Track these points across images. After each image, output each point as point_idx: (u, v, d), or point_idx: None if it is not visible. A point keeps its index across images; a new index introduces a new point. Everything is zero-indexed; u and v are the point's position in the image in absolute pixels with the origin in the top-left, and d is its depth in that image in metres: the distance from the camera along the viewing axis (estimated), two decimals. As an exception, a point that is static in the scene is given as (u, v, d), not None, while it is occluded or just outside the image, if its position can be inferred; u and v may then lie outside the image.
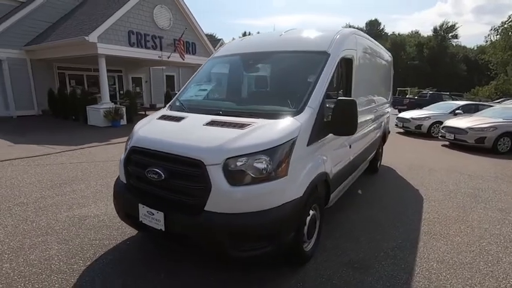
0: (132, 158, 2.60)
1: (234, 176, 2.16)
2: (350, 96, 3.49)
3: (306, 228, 2.66)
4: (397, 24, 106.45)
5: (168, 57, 13.06)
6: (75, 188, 4.62)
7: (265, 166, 2.19)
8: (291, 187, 2.30)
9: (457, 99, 19.41)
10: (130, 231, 3.25)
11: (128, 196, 2.58)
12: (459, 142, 8.84)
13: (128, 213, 2.62)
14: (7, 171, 5.40)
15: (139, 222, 2.47)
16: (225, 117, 2.67)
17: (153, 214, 2.35)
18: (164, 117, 2.94)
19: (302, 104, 2.63)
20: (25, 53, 13.00)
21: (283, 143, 2.27)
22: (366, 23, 70.24)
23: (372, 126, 4.75)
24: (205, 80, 3.65)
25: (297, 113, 2.56)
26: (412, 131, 11.46)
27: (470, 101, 14.71)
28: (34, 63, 13.31)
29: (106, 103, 11.20)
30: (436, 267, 2.83)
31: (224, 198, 2.15)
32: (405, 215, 3.96)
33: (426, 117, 11.36)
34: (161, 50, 12.75)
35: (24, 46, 12.85)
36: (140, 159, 2.53)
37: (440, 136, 9.67)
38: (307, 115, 2.55)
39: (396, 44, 58.77)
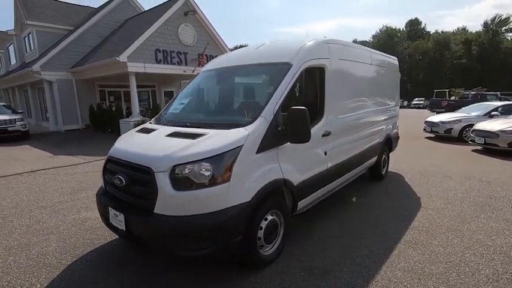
0: (106, 167, 2.97)
1: (179, 182, 2.38)
2: (323, 104, 3.56)
3: (262, 232, 2.78)
4: (444, 21, 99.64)
5: (193, 71, 13.82)
6: (89, 194, 5.18)
7: (208, 173, 2.38)
8: (234, 192, 2.45)
9: (509, 99, 17.66)
10: (119, 233, 3.61)
11: (104, 200, 2.94)
12: (490, 147, 8.13)
13: (104, 215, 2.96)
14: (39, 179, 6.21)
15: (109, 223, 2.80)
16: (187, 129, 2.92)
17: (117, 216, 2.66)
18: (140, 130, 3.28)
19: (256, 114, 2.79)
20: (71, 74, 14.69)
21: (226, 151, 2.45)
22: (406, 23, 67.00)
23: (365, 133, 4.67)
24: (189, 93, 3.96)
25: (249, 123, 2.72)
26: (442, 135, 10.73)
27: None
28: (78, 83, 14.96)
29: (136, 116, 12.18)
30: (400, 276, 2.75)
31: (170, 202, 2.38)
32: (391, 224, 3.84)
33: (457, 120, 10.58)
34: (186, 64, 13.56)
35: (71, 68, 14.53)
36: (111, 167, 2.88)
37: (470, 140, 8.95)
38: (258, 125, 2.70)
39: (439, 42, 55.13)
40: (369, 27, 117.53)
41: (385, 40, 60.94)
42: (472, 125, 9.69)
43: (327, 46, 3.61)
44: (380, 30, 65.52)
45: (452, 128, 10.47)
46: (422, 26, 65.60)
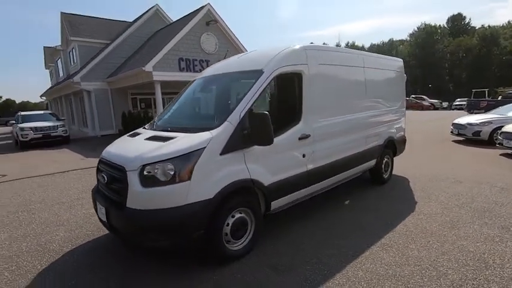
0: (98, 167, 3.38)
1: (147, 180, 2.69)
2: (301, 108, 3.70)
3: (228, 228, 2.99)
4: (494, 14, 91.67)
5: (215, 78, 14.38)
6: (103, 192, 5.74)
7: (171, 172, 2.66)
8: (195, 190, 2.70)
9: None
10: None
11: (95, 196, 3.34)
12: (519, 150, 7.51)
13: (95, 210, 3.37)
14: (66, 179, 6.98)
15: (99, 217, 3.19)
16: (165, 133, 3.24)
17: (101, 209, 3.04)
18: (130, 134, 3.67)
19: (223, 119, 3.02)
20: (107, 84, 16.04)
21: (188, 153, 2.71)
22: (448, 19, 62.88)
23: (356, 136, 4.67)
24: (180, 99, 4.29)
25: (216, 127, 2.97)
26: (470, 138, 10.04)
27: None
28: (113, 92, 16.28)
29: (161, 122, 12.97)
30: (360, 276, 2.80)
31: (138, 197, 2.69)
32: (376, 227, 3.82)
33: (487, 121, 9.83)
34: (208, 72, 14.14)
35: (106, 78, 15.87)
36: (100, 166, 3.28)
37: (498, 143, 8.31)
38: (223, 129, 2.92)
39: (486, 38, 50.94)
40: (405, 26, 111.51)
41: (424, 38, 57.65)
42: (505, 127, 8.99)
43: (304, 52, 3.74)
44: (418, 28, 62.16)
45: (481, 131, 9.75)
46: (466, 22, 61.14)
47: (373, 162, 5.24)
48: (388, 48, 67.08)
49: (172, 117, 3.88)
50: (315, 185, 3.98)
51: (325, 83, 4.03)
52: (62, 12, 18.53)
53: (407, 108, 28.86)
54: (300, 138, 3.63)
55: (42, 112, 15.12)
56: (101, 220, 3.22)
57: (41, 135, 12.70)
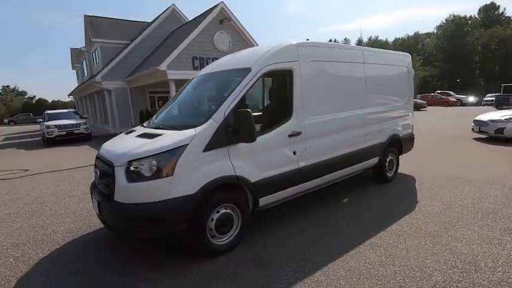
0: (95, 163, 3.57)
1: (132, 175, 2.81)
2: (291, 105, 3.69)
3: (213, 223, 3.07)
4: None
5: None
6: (112, 187, 6.02)
7: (154, 167, 2.77)
8: (178, 185, 2.79)
9: None
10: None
11: (92, 190, 3.53)
12: (543, 148, 7.03)
13: (92, 203, 3.57)
14: (82, 174, 7.36)
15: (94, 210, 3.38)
16: (156, 130, 3.37)
17: (95, 202, 3.21)
18: (126, 132, 3.84)
19: (208, 116, 3.09)
20: (126, 83, 16.64)
21: (170, 150, 2.80)
22: (480, 9, 59.33)
23: (355, 133, 4.59)
24: (176, 97, 4.41)
25: (200, 124, 3.04)
26: (492, 136, 9.49)
27: None
28: (132, 90, 16.87)
29: (175, 119, 13.30)
30: (341, 274, 2.78)
31: (124, 191, 2.82)
32: (369, 226, 3.75)
33: (511, 118, 9.27)
34: (222, 69, 14.30)
35: (126, 77, 16.47)
36: (96, 162, 3.46)
37: (521, 141, 7.82)
38: (207, 126, 2.99)
39: (521, 28, 47.54)
40: (433, 17, 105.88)
41: (452, 30, 54.75)
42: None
43: (295, 49, 3.72)
44: (446, 20, 59.11)
45: (504, 128, 9.19)
46: (499, 12, 57.37)
47: (375, 160, 5.13)
48: (413, 42, 64.45)
49: (167, 115, 4.00)
50: (308, 183, 3.96)
51: (318, 80, 3.99)
52: (85, 15, 19.41)
53: (432, 104, 27.74)
54: (290, 136, 3.63)
55: (66, 111, 15.97)
56: (96, 213, 3.41)
57: (64, 132, 13.44)
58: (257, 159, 3.34)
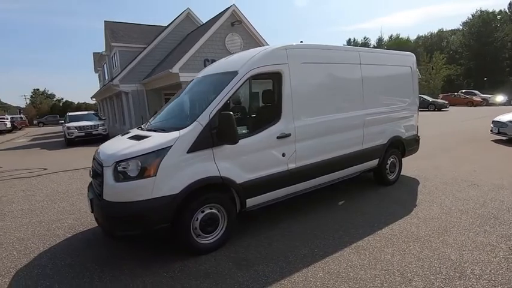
0: (92, 163, 3.76)
1: (118, 175, 2.95)
2: (280, 107, 3.72)
3: (198, 223, 3.16)
4: None
5: (240, 77, 14.65)
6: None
7: (138, 168, 2.89)
8: (161, 185, 2.90)
9: None
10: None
11: (89, 189, 3.72)
12: None
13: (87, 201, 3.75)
14: (93, 173, 7.70)
15: (90, 207, 3.56)
16: (146, 132, 3.51)
17: (88, 200, 3.39)
18: (122, 133, 4.00)
19: (194, 119, 3.18)
20: (142, 85, 17.17)
21: (154, 151, 2.92)
22: (510, 3, 56.10)
23: (350, 135, 4.53)
24: (174, 100, 4.54)
25: (185, 127, 3.14)
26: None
27: None
28: (148, 92, 17.37)
29: (188, 121, 13.59)
30: (318, 276, 2.78)
31: (111, 190, 2.96)
32: (360, 229, 3.71)
33: (532, 119, 8.77)
34: (233, 71, 14.46)
35: (142, 80, 17.00)
36: (92, 163, 3.65)
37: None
38: (191, 128, 3.09)
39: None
40: (458, 13, 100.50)
41: (479, 27, 52.18)
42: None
43: (284, 52, 3.74)
44: (472, 16, 56.40)
45: (525, 129, 8.73)
46: (532, 5, 53.93)
47: (373, 163, 5.03)
48: (436, 39, 62.02)
49: (160, 118, 4.14)
50: (299, 185, 3.97)
51: (310, 82, 3.99)
52: (105, 21, 20.22)
53: (455, 104, 26.62)
54: (278, 137, 3.65)
55: (86, 113, 16.74)
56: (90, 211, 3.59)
57: (83, 133, 14.10)
58: (243, 161, 3.39)
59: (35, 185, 6.79)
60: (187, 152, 3.04)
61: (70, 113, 16.48)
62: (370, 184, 5.49)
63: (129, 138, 3.45)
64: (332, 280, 2.71)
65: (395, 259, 3.00)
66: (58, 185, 6.65)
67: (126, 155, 2.97)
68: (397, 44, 59.84)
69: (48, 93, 68.07)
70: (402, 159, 5.68)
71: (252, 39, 14.81)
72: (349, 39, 71.05)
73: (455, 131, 12.11)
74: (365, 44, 67.67)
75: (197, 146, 3.08)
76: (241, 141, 3.31)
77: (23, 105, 59.79)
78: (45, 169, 8.65)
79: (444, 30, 64.32)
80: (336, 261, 3.02)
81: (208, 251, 3.25)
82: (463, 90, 32.11)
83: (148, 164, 2.90)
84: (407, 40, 63.81)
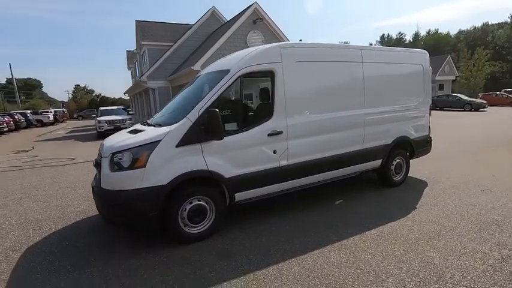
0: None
1: (113, 165, 3.22)
2: (273, 105, 3.81)
3: (186, 213, 3.36)
4: None
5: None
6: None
7: (130, 159, 3.14)
8: (150, 176, 3.12)
9: None
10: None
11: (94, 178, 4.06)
12: None
13: (93, 189, 4.10)
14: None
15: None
16: (144, 127, 3.76)
17: (91, 188, 3.72)
18: (127, 129, 4.31)
19: (184, 115, 3.37)
20: (168, 82, 17.87)
21: (144, 144, 3.15)
22: None
23: (350, 134, 4.49)
24: (177, 96, 4.77)
25: (175, 122, 3.34)
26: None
27: None
28: (173, 89, 18.03)
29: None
30: (293, 270, 2.85)
31: (107, 179, 3.24)
32: (349, 229, 3.69)
33: None
34: (254, 69, 14.59)
35: (168, 77, 17.70)
36: (97, 153, 3.98)
37: None
38: (180, 124, 3.28)
39: None
40: (508, 4, 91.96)
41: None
42: None
43: (278, 51, 3.81)
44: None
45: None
46: None
47: (376, 163, 4.93)
48: (480, 34, 57.62)
49: (162, 113, 4.38)
50: (291, 182, 4.02)
51: (305, 81, 4.01)
52: (136, 20, 21.23)
53: (496, 104, 24.90)
54: (269, 135, 3.74)
55: (116, 107, 17.76)
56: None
57: (112, 127, 15.01)
58: (232, 156, 3.53)
59: (61, 173, 7.44)
60: (176, 146, 3.24)
61: (102, 108, 17.58)
62: (372, 185, 5.39)
63: (129, 132, 3.73)
64: (304, 275, 2.77)
65: (375, 259, 2.99)
66: (81, 174, 7.23)
67: (121, 146, 3.23)
68: (435, 39, 56.54)
69: (88, 88, 72.81)
70: (411, 160, 5.49)
71: (274, 36, 14.82)
72: (383, 35, 68.25)
73: (484, 133, 11.33)
74: (399, 40, 64.59)
75: (186, 140, 3.27)
76: (230, 137, 3.45)
77: (66, 100, 64.57)
78: (73, 159, 9.40)
79: (490, 24, 59.59)
80: (315, 257, 3.07)
81: (195, 240, 3.44)
82: (506, 90, 29.63)
83: (139, 155, 3.13)
84: (447, 35, 59.98)
